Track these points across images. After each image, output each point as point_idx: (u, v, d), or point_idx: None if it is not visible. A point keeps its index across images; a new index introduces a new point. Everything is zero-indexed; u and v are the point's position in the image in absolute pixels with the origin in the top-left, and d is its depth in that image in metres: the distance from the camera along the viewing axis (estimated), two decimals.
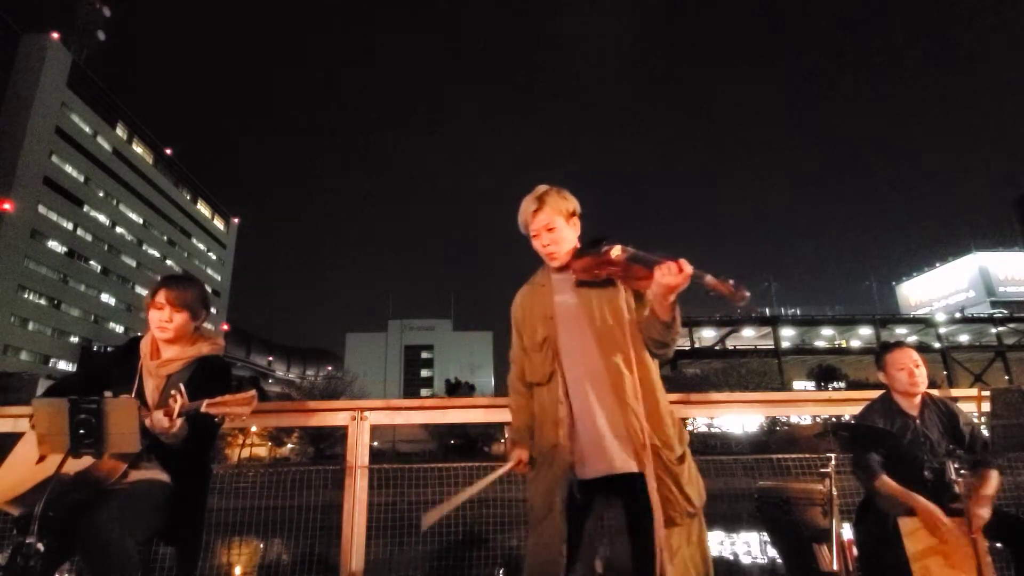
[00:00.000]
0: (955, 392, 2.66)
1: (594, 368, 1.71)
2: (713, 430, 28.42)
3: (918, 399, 2.28)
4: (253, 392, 1.72)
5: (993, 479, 2.08)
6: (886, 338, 43.67)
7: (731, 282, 1.46)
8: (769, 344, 48.17)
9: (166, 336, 1.91)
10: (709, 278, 1.49)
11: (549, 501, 1.67)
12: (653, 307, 1.62)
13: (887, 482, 2.12)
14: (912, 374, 2.26)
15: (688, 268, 1.51)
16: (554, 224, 1.82)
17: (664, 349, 1.71)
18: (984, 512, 1.96)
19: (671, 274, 1.51)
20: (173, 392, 1.69)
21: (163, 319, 1.90)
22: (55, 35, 46.60)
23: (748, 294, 1.45)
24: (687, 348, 46.82)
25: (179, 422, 1.68)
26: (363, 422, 2.64)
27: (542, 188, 1.88)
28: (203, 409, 1.67)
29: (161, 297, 1.90)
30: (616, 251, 1.64)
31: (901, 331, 50.75)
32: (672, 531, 1.57)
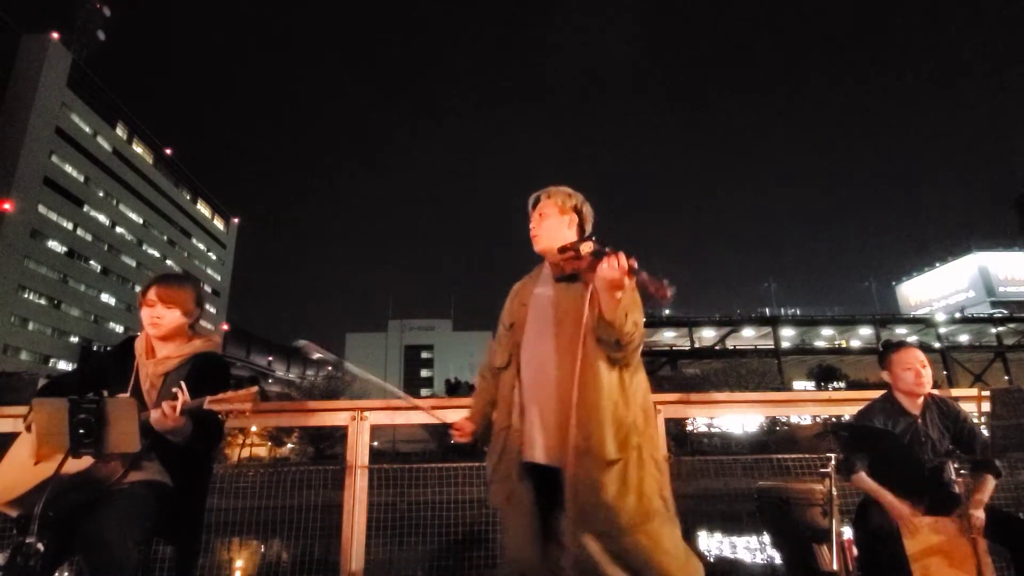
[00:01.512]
0: (955, 392, 2.66)
1: (544, 359, 1.72)
2: (713, 430, 28.38)
3: (921, 399, 2.27)
4: (255, 388, 1.71)
5: (989, 483, 2.08)
6: (886, 338, 43.66)
7: (664, 280, 1.46)
8: (769, 344, 48.15)
9: (157, 333, 1.90)
10: (643, 275, 1.48)
11: (507, 487, 1.68)
12: (600, 303, 1.58)
13: (862, 478, 2.13)
14: (919, 374, 2.25)
15: (625, 263, 1.45)
16: (546, 213, 1.88)
17: (615, 351, 1.61)
18: (978, 515, 1.97)
19: (611, 268, 1.47)
20: (175, 389, 1.68)
21: (154, 316, 1.89)
22: (55, 35, 46.55)
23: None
24: (687, 348, 46.83)
25: (182, 419, 1.67)
26: (363, 422, 2.64)
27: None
28: (206, 406, 1.67)
29: (152, 294, 1.91)
30: (586, 246, 1.63)
31: (901, 331, 50.72)
32: (589, 540, 1.50)
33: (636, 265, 1.47)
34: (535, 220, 1.90)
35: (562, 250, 1.72)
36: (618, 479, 1.55)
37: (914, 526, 2.00)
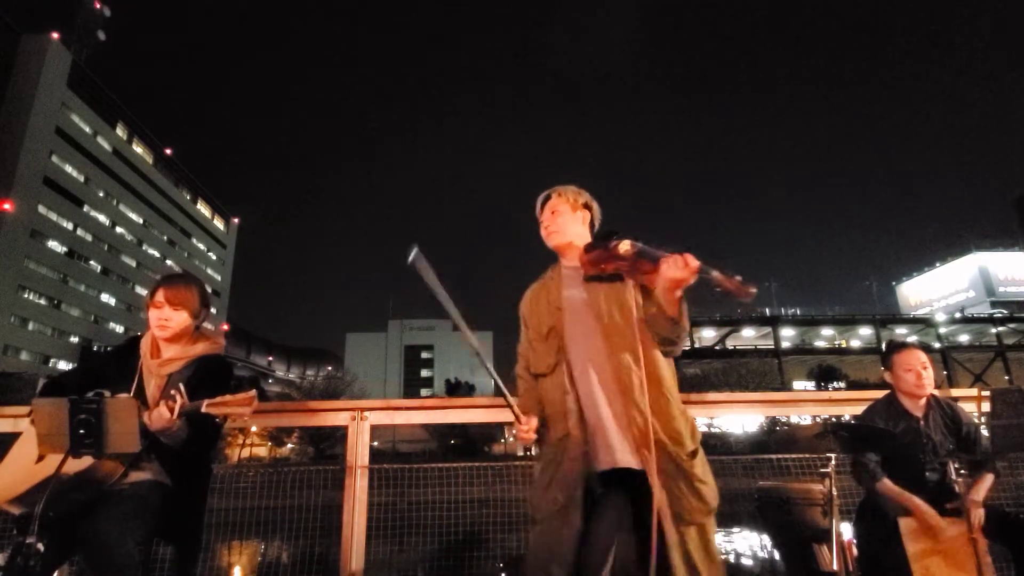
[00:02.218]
0: (955, 392, 2.65)
1: (599, 360, 1.69)
2: (713, 430, 28.39)
3: (923, 400, 2.26)
4: (253, 392, 1.71)
5: (986, 483, 2.08)
6: (886, 338, 43.67)
7: (738, 278, 1.43)
8: (769, 344, 48.16)
9: (165, 335, 1.90)
10: (716, 273, 1.45)
11: (567, 495, 1.62)
12: (659, 302, 1.59)
13: (888, 485, 2.11)
14: (920, 376, 2.24)
15: (694, 262, 1.46)
16: (559, 209, 1.88)
17: (671, 346, 1.68)
18: (976, 513, 1.97)
19: (677, 268, 1.47)
20: (173, 391, 1.68)
21: (161, 318, 1.89)
22: (55, 35, 46.56)
23: (755, 290, 1.43)
24: (687, 348, 46.82)
25: (179, 422, 1.67)
26: (363, 422, 2.63)
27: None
28: (203, 409, 1.66)
29: (160, 296, 1.90)
30: (624, 245, 1.61)
31: (901, 331, 50.70)
32: (686, 529, 1.54)
33: (701, 264, 1.46)
34: (548, 217, 1.89)
35: (593, 249, 1.70)
36: (700, 466, 1.62)
37: (945, 531, 1.98)
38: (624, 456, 1.61)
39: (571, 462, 1.65)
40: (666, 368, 1.71)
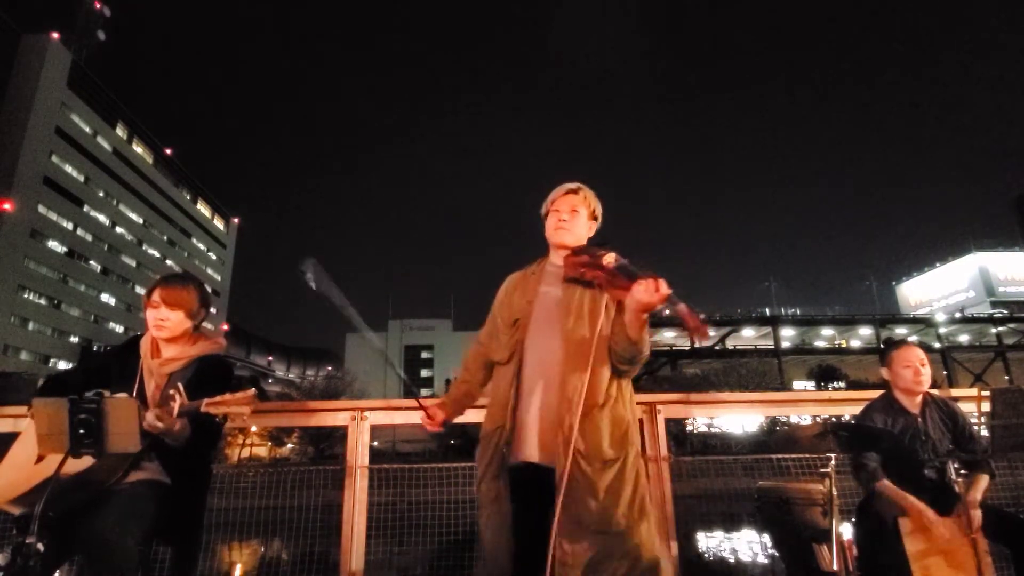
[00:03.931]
0: (955, 392, 2.66)
1: (550, 359, 1.71)
2: (713, 430, 28.38)
3: (919, 398, 2.28)
4: (253, 391, 1.71)
5: (982, 482, 2.09)
6: (886, 338, 43.66)
7: (702, 316, 1.46)
8: (769, 344, 48.13)
9: (163, 335, 1.90)
10: (682, 306, 1.46)
11: (495, 487, 1.67)
12: (625, 321, 1.59)
13: (887, 486, 2.12)
14: (917, 372, 2.26)
15: (665, 290, 1.45)
16: (578, 210, 1.87)
17: (627, 366, 1.67)
18: (975, 513, 1.97)
19: (648, 292, 1.46)
20: (172, 391, 1.68)
21: (159, 318, 1.89)
22: (55, 35, 46.55)
23: (711, 333, 1.47)
24: (687, 348, 46.81)
25: (179, 422, 1.67)
26: (363, 422, 2.63)
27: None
28: (203, 409, 1.66)
29: (156, 296, 1.90)
30: (608, 257, 1.63)
31: (901, 331, 50.69)
32: (580, 540, 1.52)
33: (671, 293, 1.46)
34: (568, 213, 1.86)
35: (580, 253, 1.72)
36: (615, 478, 1.58)
37: (942, 530, 1.98)
38: (540, 453, 1.64)
39: (497, 452, 1.69)
40: (613, 381, 1.69)
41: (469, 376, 1.97)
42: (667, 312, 1.58)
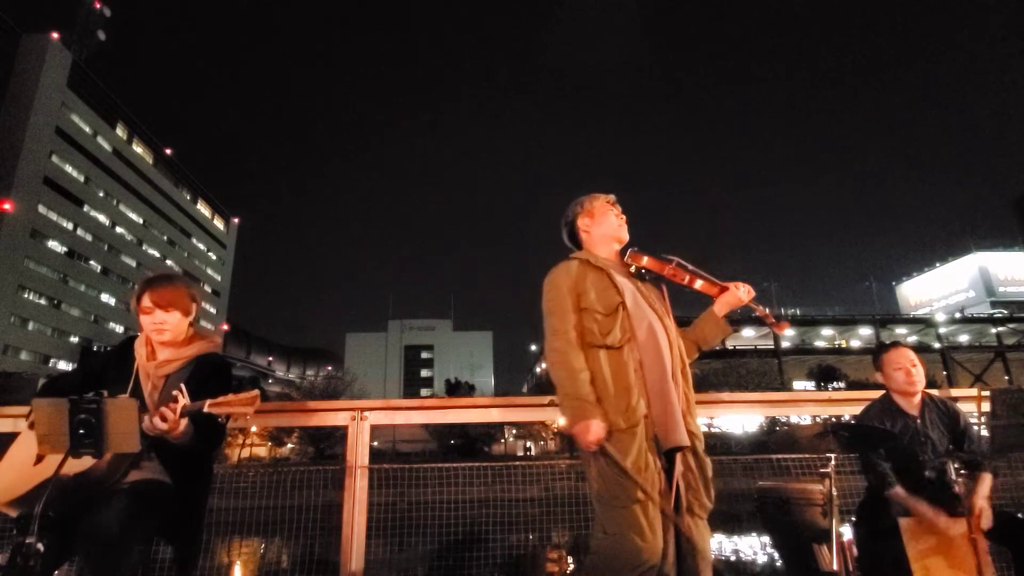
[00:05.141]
0: (955, 392, 2.66)
1: (661, 347, 1.80)
2: (713, 430, 28.38)
3: (918, 399, 2.28)
4: (256, 393, 1.70)
5: (986, 481, 2.08)
6: (886, 338, 43.68)
7: (778, 312, 1.65)
8: (769, 344, 48.11)
9: (164, 339, 1.88)
10: (761, 307, 2.06)
11: (654, 478, 1.61)
12: (716, 314, 1.98)
13: (899, 493, 2.11)
14: (909, 373, 2.26)
15: (752, 292, 2.03)
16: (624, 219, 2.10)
17: (697, 356, 2.00)
18: (985, 515, 1.97)
19: (746, 293, 1.98)
20: (175, 392, 1.67)
21: (155, 322, 1.86)
22: (55, 35, 46.55)
23: (787, 328, 1.58)
24: None
25: (183, 423, 1.67)
26: (363, 422, 2.63)
27: None
28: (206, 409, 1.66)
29: (148, 300, 1.85)
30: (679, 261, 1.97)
31: (901, 331, 50.73)
32: (694, 520, 1.65)
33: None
34: (622, 219, 2.08)
35: (660, 261, 1.97)
36: (709, 468, 1.72)
37: (953, 533, 1.98)
38: (681, 435, 1.69)
39: (647, 440, 1.67)
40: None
41: (586, 363, 1.77)
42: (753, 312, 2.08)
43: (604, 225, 2.03)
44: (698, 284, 1.96)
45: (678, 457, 1.67)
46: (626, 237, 2.04)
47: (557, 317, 1.80)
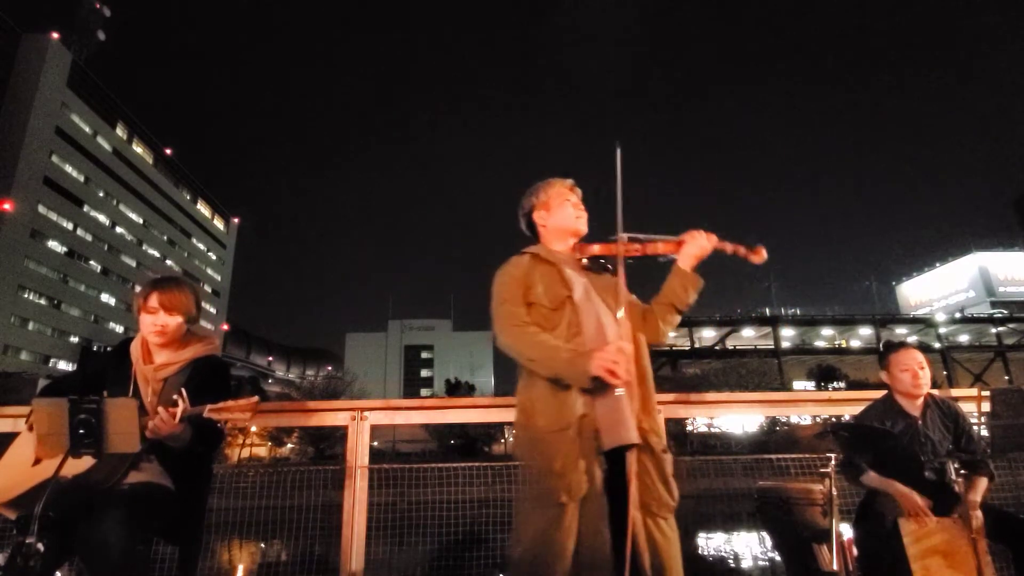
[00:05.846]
0: (955, 392, 2.66)
1: (603, 342, 1.66)
2: (713, 430, 28.36)
3: (920, 400, 2.26)
4: (256, 399, 1.71)
5: (981, 484, 2.08)
6: (886, 338, 43.69)
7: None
8: (769, 344, 48.16)
9: (161, 340, 1.87)
10: (728, 244, 1.79)
11: (589, 474, 1.54)
12: (681, 274, 1.79)
13: (871, 477, 2.13)
14: (916, 376, 2.24)
15: (712, 236, 1.80)
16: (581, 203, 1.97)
17: (677, 316, 1.83)
18: (976, 515, 1.97)
19: (703, 243, 1.78)
20: (175, 396, 1.67)
21: (157, 323, 1.85)
22: (55, 35, 46.57)
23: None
24: (687, 348, 46.83)
25: (181, 426, 1.66)
26: (363, 422, 2.63)
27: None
28: (205, 415, 1.66)
29: (154, 301, 1.85)
30: (626, 236, 1.79)
31: (901, 331, 50.73)
32: (650, 521, 1.56)
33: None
34: (581, 209, 1.94)
35: (587, 242, 1.87)
36: (668, 465, 1.66)
37: (923, 518, 1.98)
38: (634, 433, 1.59)
39: (587, 439, 1.58)
40: (650, 365, 1.79)
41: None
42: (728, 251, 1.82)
43: (559, 218, 1.91)
44: (659, 248, 1.81)
45: (630, 456, 1.55)
46: (584, 230, 1.91)
47: (510, 304, 1.76)
